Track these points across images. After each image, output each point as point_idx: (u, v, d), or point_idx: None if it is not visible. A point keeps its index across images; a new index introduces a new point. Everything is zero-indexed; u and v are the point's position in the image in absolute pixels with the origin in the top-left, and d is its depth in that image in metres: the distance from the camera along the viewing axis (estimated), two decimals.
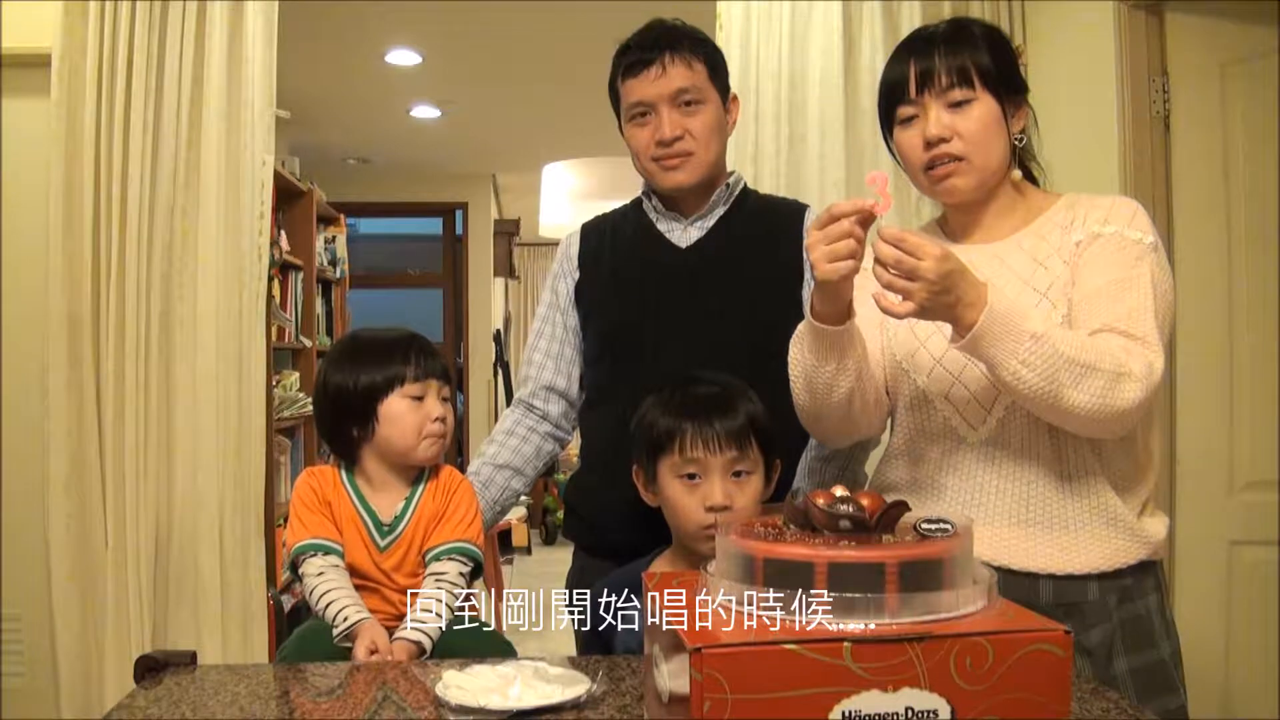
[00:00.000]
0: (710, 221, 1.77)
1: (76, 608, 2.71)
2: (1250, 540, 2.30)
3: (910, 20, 2.84)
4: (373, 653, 1.40)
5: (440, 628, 1.48)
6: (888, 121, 1.49)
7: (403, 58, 4.47)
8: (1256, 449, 2.29)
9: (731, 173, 1.82)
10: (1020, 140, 1.48)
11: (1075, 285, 1.38)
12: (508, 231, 7.71)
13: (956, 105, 1.41)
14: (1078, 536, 1.37)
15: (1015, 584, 1.34)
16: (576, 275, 1.84)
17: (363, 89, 4.99)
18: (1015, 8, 2.86)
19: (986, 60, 1.41)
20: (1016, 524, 1.39)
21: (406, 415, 1.57)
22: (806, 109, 2.81)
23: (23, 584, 2.84)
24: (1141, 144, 2.42)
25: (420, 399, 1.58)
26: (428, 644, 1.45)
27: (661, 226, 1.79)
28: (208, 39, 2.77)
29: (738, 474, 1.44)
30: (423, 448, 1.58)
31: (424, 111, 5.40)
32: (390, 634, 1.45)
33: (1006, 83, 1.43)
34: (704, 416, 1.44)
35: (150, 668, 1.28)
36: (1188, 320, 2.38)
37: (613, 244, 1.83)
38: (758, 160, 2.79)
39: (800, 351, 1.43)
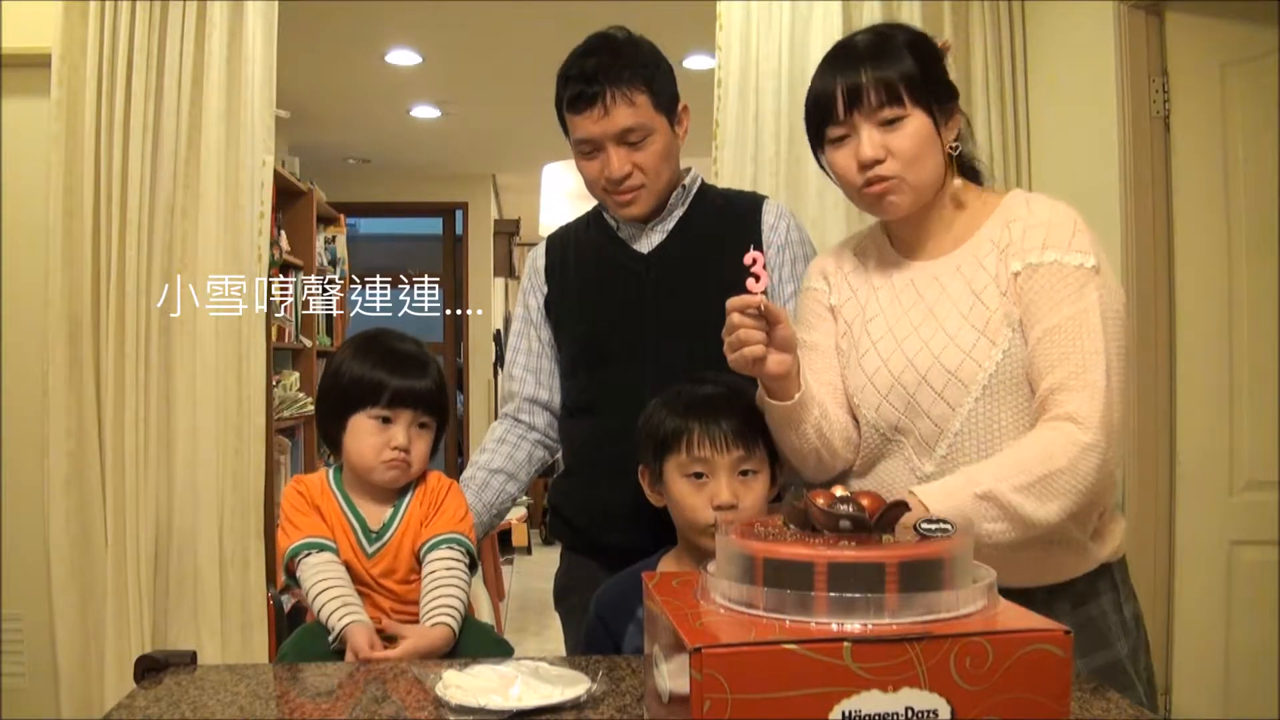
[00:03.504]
0: (670, 223, 1.76)
1: (76, 608, 2.71)
2: (1250, 540, 2.30)
3: (910, 20, 2.84)
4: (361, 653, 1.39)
5: (463, 607, 1.48)
6: (817, 139, 1.46)
7: (403, 58, 4.47)
8: (1256, 449, 2.29)
9: (687, 170, 1.80)
10: (955, 148, 1.43)
11: (1026, 323, 1.35)
12: (508, 231, 7.71)
13: (888, 124, 1.37)
14: (1023, 557, 1.32)
15: None
16: (545, 290, 1.84)
17: (363, 89, 4.99)
18: (1015, 8, 2.86)
19: (914, 72, 1.37)
20: None
21: (368, 436, 1.55)
22: None
23: (23, 584, 2.84)
24: (1141, 144, 2.42)
25: (388, 423, 1.55)
26: (457, 628, 1.45)
27: (623, 234, 1.78)
28: (208, 39, 2.77)
29: (744, 473, 1.45)
30: (379, 470, 1.55)
31: (424, 111, 5.40)
32: (382, 637, 1.44)
33: (936, 94, 1.39)
34: (711, 415, 1.44)
35: (150, 668, 1.28)
36: (1188, 320, 2.38)
37: (577, 255, 1.82)
38: (758, 160, 2.79)
39: (766, 417, 1.46)
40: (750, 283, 1.29)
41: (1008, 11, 2.85)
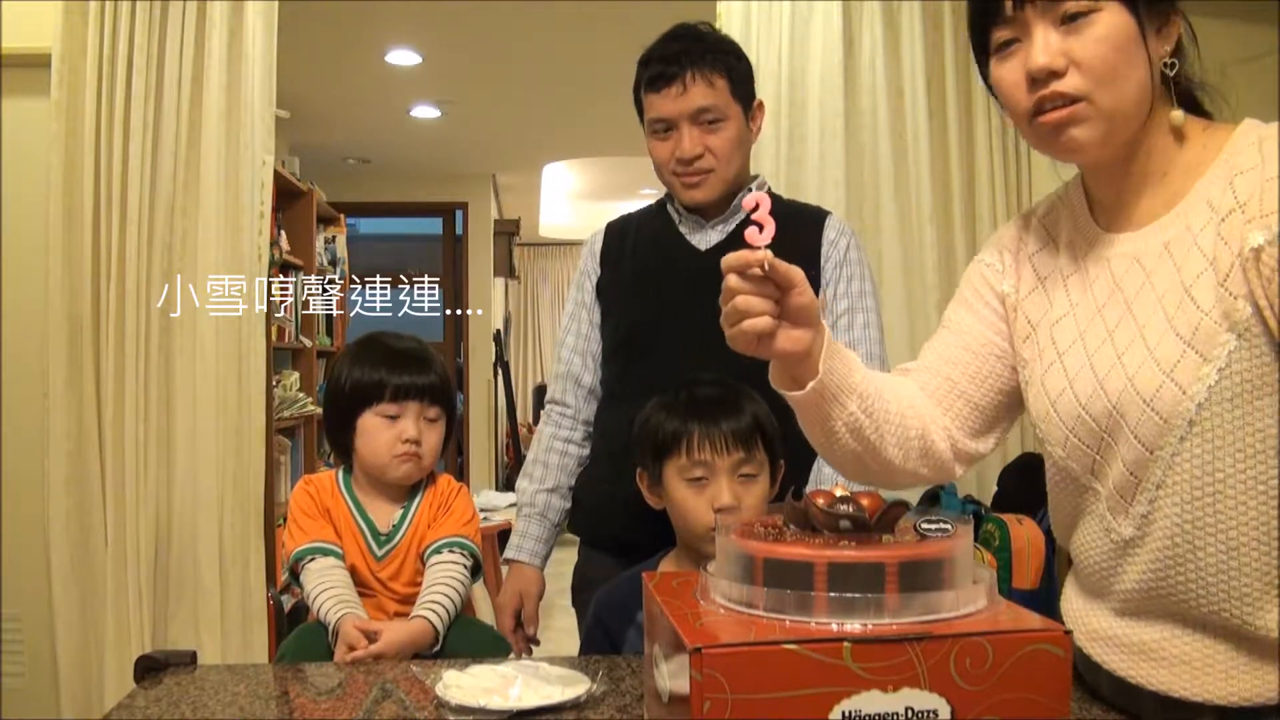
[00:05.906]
0: (731, 225, 1.78)
1: (76, 608, 2.71)
2: None
3: (910, 20, 2.84)
4: (352, 649, 1.40)
5: (453, 607, 1.48)
6: (984, 52, 1.07)
7: (403, 58, 4.47)
8: None
9: (755, 176, 1.83)
10: (1172, 66, 1.03)
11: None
12: (508, 231, 7.71)
13: (1070, 20, 0.98)
14: (1252, 658, 0.97)
15: None
16: (599, 272, 1.87)
17: (363, 89, 4.99)
18: None
19: None
20: (1177, 640, 1.02)
21: (378, 433, 1.56)
22: (806, 109, 2.81)
23: (23, 584, 2.84)
24: None
25: (395, 418, 1.57)
26: (439, 624, 1.45)
27: (683, 229, 1.81)
28: (208, 39, 2.77)
29: (745, 476, 1.44)
30: (393, 466, 1.56)
31: (424, 111, 5.40)
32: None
33: None
34: (710, 418, 1.44)
35: (150, 668, 1.28)
36: None
37: (635, 243, 1.85)
38: (758, 159, 2.78)
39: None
40: (751, 233, 0.98)
41: None
